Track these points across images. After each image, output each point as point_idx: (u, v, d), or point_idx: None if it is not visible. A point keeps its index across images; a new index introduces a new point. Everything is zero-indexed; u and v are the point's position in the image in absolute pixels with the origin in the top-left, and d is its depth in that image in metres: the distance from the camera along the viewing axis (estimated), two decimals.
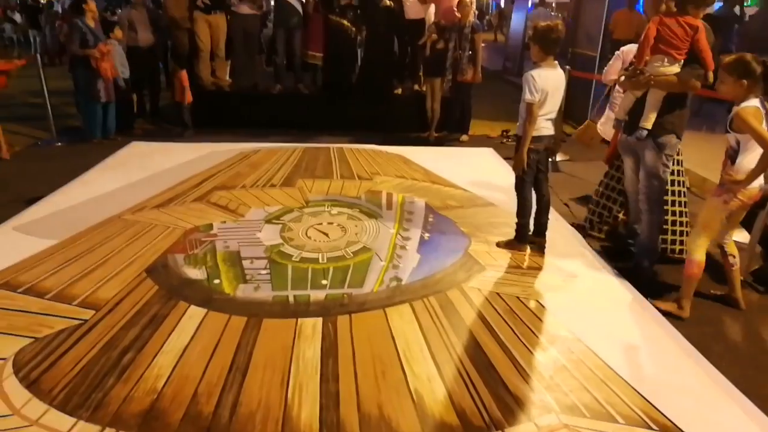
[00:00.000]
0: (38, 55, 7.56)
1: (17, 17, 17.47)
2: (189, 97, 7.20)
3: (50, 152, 6.50)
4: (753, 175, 3.03)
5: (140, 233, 4.07)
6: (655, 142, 3.44)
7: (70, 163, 5.79)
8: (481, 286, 3.44)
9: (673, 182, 3.83)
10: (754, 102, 3.02)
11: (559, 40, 3.64)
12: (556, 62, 3.70)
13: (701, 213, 3.30)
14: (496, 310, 3.18)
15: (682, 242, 3.90)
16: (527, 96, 3.62)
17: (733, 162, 3.13)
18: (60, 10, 13.67)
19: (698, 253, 3.21)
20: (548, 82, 3.61)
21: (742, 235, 4.26)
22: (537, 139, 3.71)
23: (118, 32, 6.86)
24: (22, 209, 4.53)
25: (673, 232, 3.94)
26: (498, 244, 4.02)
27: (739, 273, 3.45)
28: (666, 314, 3.23)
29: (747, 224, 3.94)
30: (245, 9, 7.45)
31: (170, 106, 7.87)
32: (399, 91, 7.98)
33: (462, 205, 4.86)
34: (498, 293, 3.36)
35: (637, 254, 3.78)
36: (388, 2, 7.12)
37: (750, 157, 3.07)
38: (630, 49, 4.91)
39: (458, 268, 3.68)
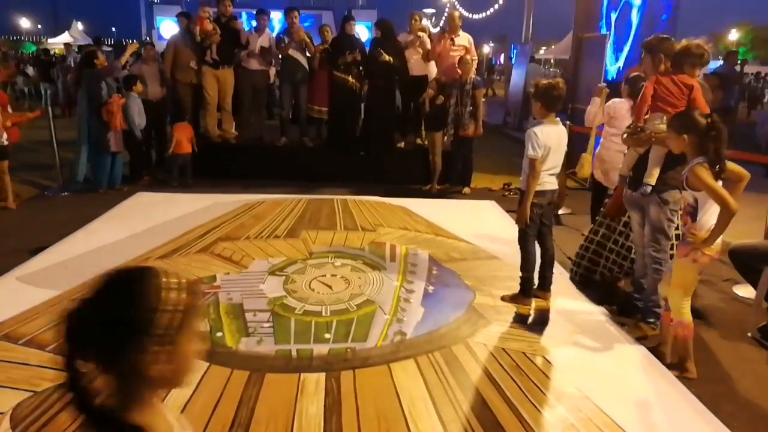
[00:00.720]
0: (49, 107, 7.73)
1: (30, 70, 17.96)
2: (184, 149, 7.28)
3: (57, 202, 6.56)
4: (715, 235, 2.95)
5: None
6: (659, 197, 3.48)
7: (75, 213, 5.84)
8: (487, 341, 3.40)
9: (677, 237, 3.84)
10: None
11: (560, 98, 3.74)
12: (558, 119, 3.79)
13: (674, 274, 3.21)
14: (502, 366, 3.13)
15: None
16: (530, 152, 3.69)
17: (694, 219, 3.07)
18: (72, 64, 14.06)
19: (685, 314, 3.15)
20: (550, 138, 3.68)
21: (747, 291, 4.25)
22: (540, 193, 3.75)
23: (139, 86, 7.02)
24: (27, 259, 4.54)
25: None
26: (503, 298, 4.00)
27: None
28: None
29: (753, 280, 3.93)
30: (254, 64, 7.67)
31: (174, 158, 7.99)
32: (402, 144, 8.11)
33: (466, 258, 4.86)
34: (504, 348, 3.32)
35: (644, 309, 3.75)
36: (386, 58, 7.32)
37: (710, 213, 3.00)
38: (615, 104, 5.06)
39: (463, 322, 3.65)
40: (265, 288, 4.08)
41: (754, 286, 3.94)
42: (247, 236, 5.22)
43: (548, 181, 3.78)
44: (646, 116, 3.57)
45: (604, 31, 8.40)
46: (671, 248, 3.74)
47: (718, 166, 2.92)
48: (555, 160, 3.76)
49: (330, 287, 4.13)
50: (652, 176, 3.48)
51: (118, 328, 0.94)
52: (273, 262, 4.58)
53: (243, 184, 7.16)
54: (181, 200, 6.45)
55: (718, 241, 3.03)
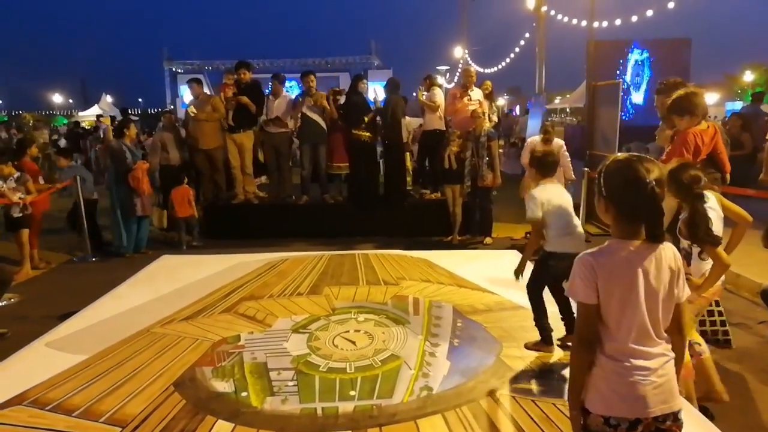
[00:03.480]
0: (78, 177, 8.02)
1: (62, 142, 18.71)
2: (183, 212, 7.43)
3: (85, 267, 6.70)
4: (709, 284, 2.90)
5: (168, 346, 4.08)
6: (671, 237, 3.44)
7: (102, 278, 5.95)
8: (516, 393, 3.31)
9: None
10: None
11: (555, 164, 3.88)
12: (555, 180, 3.90)
13: None
14: (532, 418, 3.03)
15: (725, 330, 3.72)
16: (529, 213, 3.73)
17: (689, 262, 3.01)
18: (102, 135, 14.65)
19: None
20: (552, 197, 3.74)
21: None
22: (560, 256, 3.66)
23: (132, 130, 7.29)
24: (55, 325, 4.61)
25: (713, 323, 3.80)
26: (526, 346, 3.92)
27: (711, 361, 3.09)
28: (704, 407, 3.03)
29: None
30: (273, 127, 7.93)
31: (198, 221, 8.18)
32: (420, 196, 8.22)
33: (491, 309, 4.80)
34: (533, 400, 3.23)
35: None
36: (365, 136, 7.64)
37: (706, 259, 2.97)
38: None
39: (491, 375, 3.57)
40: (288, 346, 4.06)
41: None
42: (271, 295, 5.25)
43: (567, 243, 3.69)
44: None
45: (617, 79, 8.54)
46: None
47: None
48: (563, 219, 3.74)
49: (354, 343, 4.10)
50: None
51: None
52: (296, 320, 4.57)
53: (266, 243, 7.26)
54: (206, 261, 6.54)
55: (717, 283, 2.96)
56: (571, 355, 1.90)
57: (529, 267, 3.95)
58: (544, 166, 3.85)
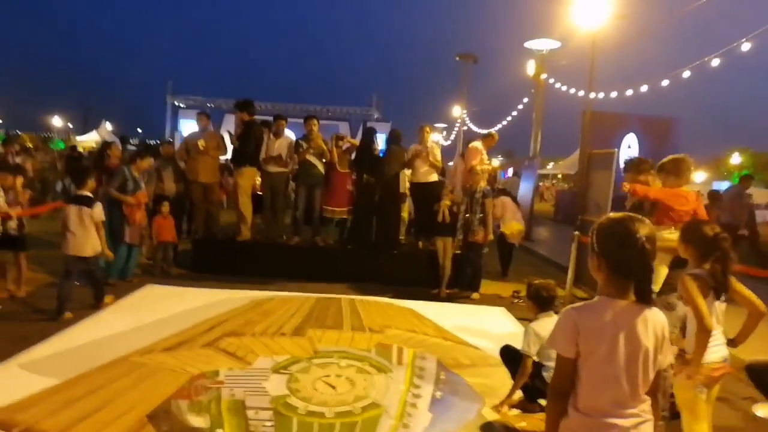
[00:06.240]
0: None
1: (58, 165, 18.67)
2: (163, 236, 7.48)
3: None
4: (698, 357, 2.76)
5: (145, 377, 3.99)
6: (665, 301, 3.48)
7: (85, 303, 5.84)
8: None
9: None
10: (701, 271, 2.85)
11: (552, 298, 3.84)
12: (552, 313, 3.80)
13: (676, 395, 3.00)
14: None
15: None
16: (524, 346, 3.71)
17: (684, 333, 2.94)
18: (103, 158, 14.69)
19: None
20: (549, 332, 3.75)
21: (766, 410, 4.09)
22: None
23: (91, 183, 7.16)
24: (30, 346, 4.50)
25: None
26: (506, 404, 3.85)
27: None
28: None
29: None
30: (272, 167, 8.02)
31: (186, 253, 8.14)
32: (412, 246, 8.29)
33: (474, 364, 4.76)
34: None
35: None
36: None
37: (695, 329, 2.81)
38: None
39: (472, 429, 3.52)
40: (268, 386, 3.99)
41: None
42: (253, 333, 5.18)
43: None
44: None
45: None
46: None
47: (717, 284, 2.79)
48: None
49: (334, 388, 4.03)
50: (657, 282, 3.50)
51: None
52: (277, 360, 4.50)
53: (254, 281, 7.20)
54: (191, 294, 6.47)
55: (717, 358, 2.84)
56: (546, 405, 1.90)
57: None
58: (541, 300, 3.84)
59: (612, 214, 1.85)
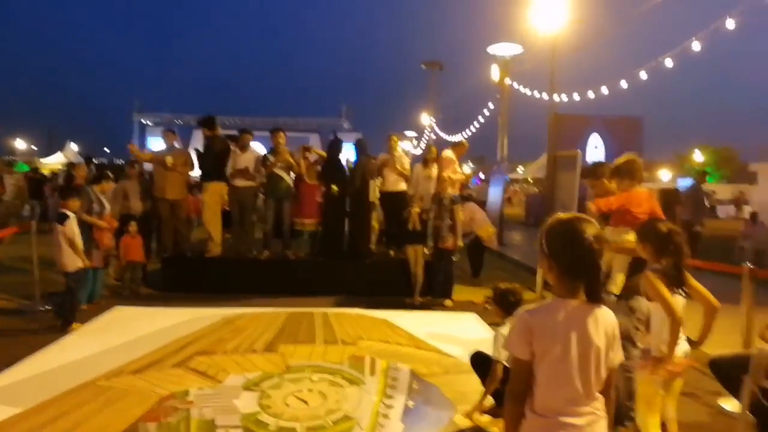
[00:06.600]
0: (33, 223, 7.79)
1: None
2: (131, 255, 7.43)
3: (32, 318, 6.42)
4: (670, 349, 2.86)
5: (114, 400, 3.92)
6: (627, 305, 3.54)
7: (51, 328, 5.71)
8: None
9: None
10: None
11: (518, 302, 3.90)
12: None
13: (638, 389, 3.10)
14: None
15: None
16: (494, 352, 3.76)
17: (648, 329, 3.02)
18: (61, 181, 14.40)
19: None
20: None
21: (733, 403, 4.18)
22: None
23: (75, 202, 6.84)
24: None
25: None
26: (477, 410, 3.88)
27: None
28: None
29: (736, 391, 3.88)
30: (239, 182, 7.97)
31: (156, 272, 8.02)
32: (383, 255, 8.30)
33: (447, 372, 4.78)
34: None
35: (617, 415, 3.66)
36: (334, 189, 7.94)
37: (661, 323, 2.92)
38: None
39: None
40: (238, 403, 3.95)
41: (738, 398, 3.89)
42: (225, 350, 5.12)
43: None
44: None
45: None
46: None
47: (672, 278, 2.90)
48: None
49: (306, 402, 4.01)
50: (616, 285, 3.57)
51: None
52: (249, 377, 4.46)
53: (225, 298, 7.13)
54: (160, 314, 6.36)
55: (679, 353, 2.93)
56: (504, 410, 1.92)
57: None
58: (507, 304, 3.90)
59: (560, 215, 1.88)
